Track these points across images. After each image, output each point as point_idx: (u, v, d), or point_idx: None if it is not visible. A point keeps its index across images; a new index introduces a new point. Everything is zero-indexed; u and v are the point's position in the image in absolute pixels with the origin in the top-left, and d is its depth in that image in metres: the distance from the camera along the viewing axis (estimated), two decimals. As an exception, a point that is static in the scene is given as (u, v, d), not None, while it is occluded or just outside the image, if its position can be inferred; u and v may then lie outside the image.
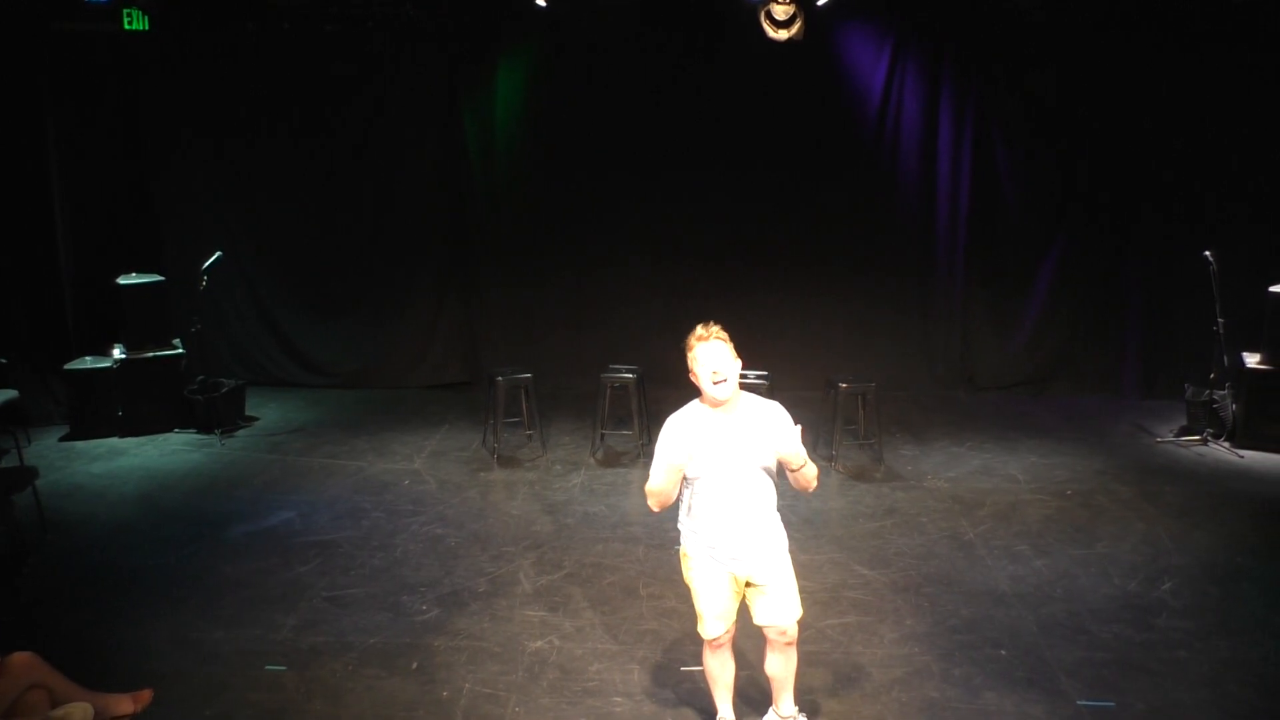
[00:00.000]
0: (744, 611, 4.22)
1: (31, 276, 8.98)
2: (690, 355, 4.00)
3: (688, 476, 4.01)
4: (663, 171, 9.70)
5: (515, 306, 10.13)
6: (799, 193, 9.71)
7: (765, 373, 7.56)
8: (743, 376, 7.55)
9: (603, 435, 8.25)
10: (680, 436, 3.97)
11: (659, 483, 3.96)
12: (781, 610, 4.10)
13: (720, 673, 4.30)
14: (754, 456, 3.99)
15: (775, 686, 4.34)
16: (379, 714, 4.57)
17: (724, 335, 4.00)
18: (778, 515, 4.15)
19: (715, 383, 3.93)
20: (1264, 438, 8.04)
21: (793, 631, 4.15)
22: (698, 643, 4.30)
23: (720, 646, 4.22)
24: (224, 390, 8.84)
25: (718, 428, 3.99)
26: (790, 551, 4.17)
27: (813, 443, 7.78)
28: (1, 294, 9.03)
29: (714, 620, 4.13)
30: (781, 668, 4.25)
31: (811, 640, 5.00)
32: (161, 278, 8.99)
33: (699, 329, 4.03)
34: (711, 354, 3.94)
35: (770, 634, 4.16)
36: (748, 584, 4.11)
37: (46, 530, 6.57)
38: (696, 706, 4.60)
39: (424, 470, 7.81)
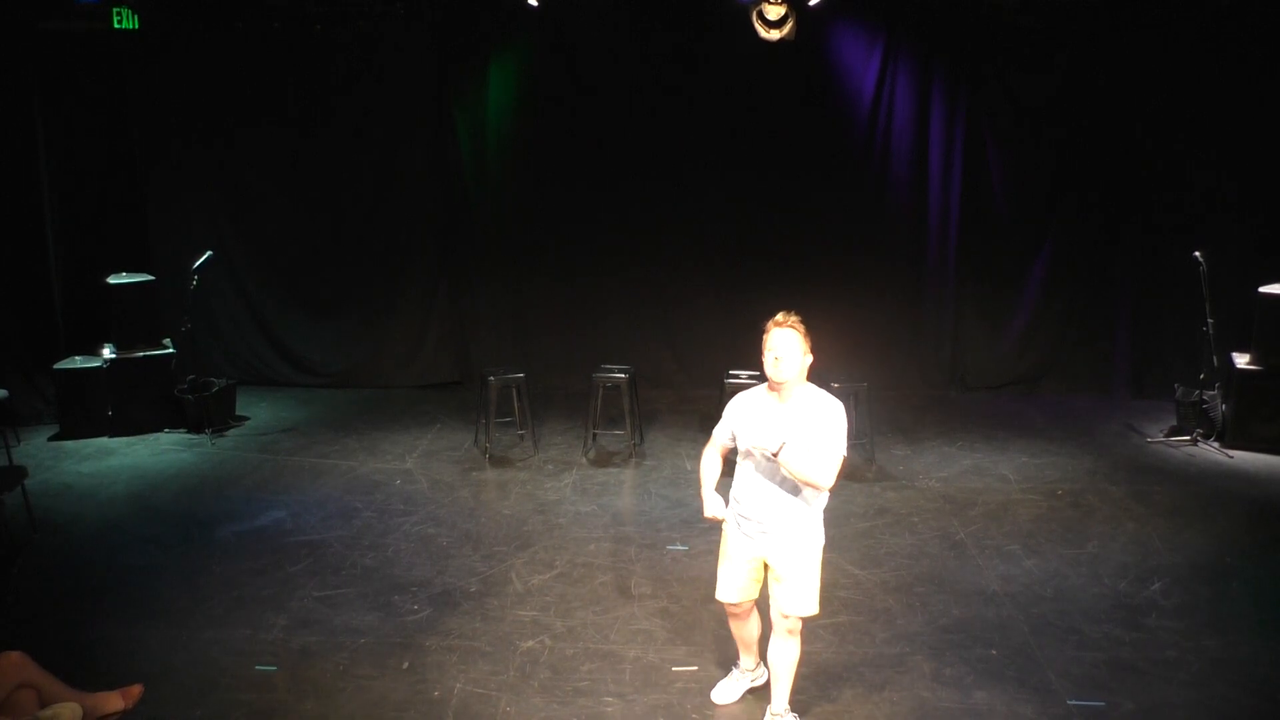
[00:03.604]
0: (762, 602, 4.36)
1: (21, 276, 8.92)
2: (764, 338, 4.15)
3: (736, 448, 4.29)
4: (655, 171, 9.69)
5: (507, 306, 10.11)
6: (790, 192, 9.71)
7: (757, 373, 7.54)
8: (735, 376, 7.65)
9: (595, 435, 8.24)
10: (734, 411, 4.29)
11: (712, 441, 4.39)
12: (788, 597, 4.20)
13: (739, 633, 4.58)
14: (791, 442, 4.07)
15: (771, 678, 4.40)
16: (370, 714, 4.56)
17: (798, 325, 4.11)
18: (814, 511, 4.21)
19: (773, 360, 4.08)
20: (1253, 438, 8.06)
21: (793, 619, 4.23)
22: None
23: (735, 614, 4.47)
24: (214, 390, 8.80)
25: (769, 410, 4.18)
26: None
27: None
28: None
29: (727, 587, 4.37)
30: (779, 656, 4.31)
31: (803, 639, 4.99)
32: (151, 277, 8.96)
33: (779, 314, 4.15)
34: (777, 339, 4.10)
35: (774, 616, 4.28)
36: (766, 565, 4.26)
37: (36, 530, 6.53)
38: (689, 706, 4.60)
39: (416, 470, 7.80)
